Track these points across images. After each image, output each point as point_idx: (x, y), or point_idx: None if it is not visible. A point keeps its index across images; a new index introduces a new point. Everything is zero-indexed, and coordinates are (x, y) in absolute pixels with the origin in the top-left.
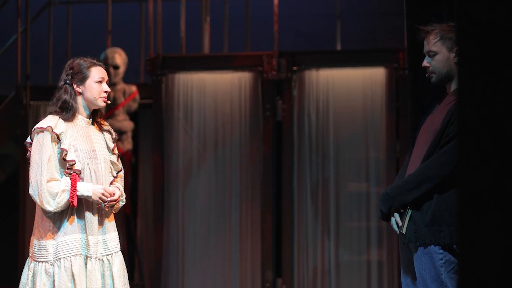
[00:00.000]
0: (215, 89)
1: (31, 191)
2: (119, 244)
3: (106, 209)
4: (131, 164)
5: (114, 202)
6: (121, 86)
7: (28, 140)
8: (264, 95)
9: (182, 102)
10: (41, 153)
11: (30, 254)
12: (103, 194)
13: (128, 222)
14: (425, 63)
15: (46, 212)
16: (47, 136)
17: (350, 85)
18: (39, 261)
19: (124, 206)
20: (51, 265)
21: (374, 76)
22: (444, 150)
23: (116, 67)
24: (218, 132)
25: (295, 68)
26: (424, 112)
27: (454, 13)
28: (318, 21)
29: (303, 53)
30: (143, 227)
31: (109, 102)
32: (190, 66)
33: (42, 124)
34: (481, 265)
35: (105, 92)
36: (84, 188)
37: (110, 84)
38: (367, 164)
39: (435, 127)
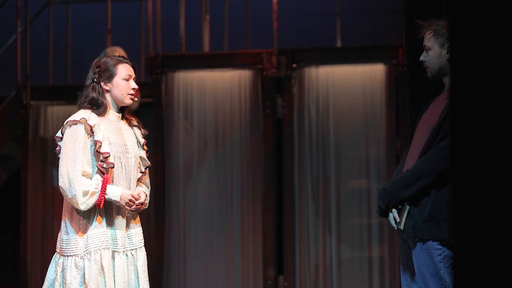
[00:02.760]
0: (215, 87)
1: (61, 184)
2: (143, 239)
3: (129, 213)
4: None
5: (140, 207)
6: None
7: (58, 134)
8: (264, 93)
9: (182, 101)
10: (75, 145)
11: (58, 250)
12: (130, 200)
13: None
14: (421, 57)
15: (75, 208)
16: (80, 128)
17: (349, 82)
18: (68, 255)
19: None
20: (81, 258)
21: (373, 72)
22: (441, 145)
23: None
24: (219, 130)
25: (294, 65)
26: (422, 108)
27: (446, 11)
28: (318, 18)
29: (302, 51)
30: (144, 226)
31: (136, 99)
32: (190, 65)
33: (75, 117)
34: (476, 260)
35: (133, 89)
36: (113, 193)
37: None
38: (367, 160)
39: (432, 122)
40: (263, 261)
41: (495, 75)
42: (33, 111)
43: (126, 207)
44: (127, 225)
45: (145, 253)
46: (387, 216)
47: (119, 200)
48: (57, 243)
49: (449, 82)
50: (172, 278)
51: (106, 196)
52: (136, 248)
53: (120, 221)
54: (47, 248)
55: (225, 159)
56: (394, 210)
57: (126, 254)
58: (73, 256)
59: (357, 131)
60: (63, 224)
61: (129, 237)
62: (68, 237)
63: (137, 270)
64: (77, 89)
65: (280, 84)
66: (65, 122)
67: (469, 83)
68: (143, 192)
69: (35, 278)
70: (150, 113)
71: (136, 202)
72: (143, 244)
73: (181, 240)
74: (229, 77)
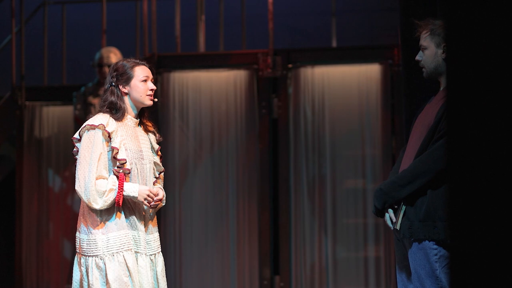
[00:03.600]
0: (210, 87)
1: (77, 188)
2: (160, 245)
3: (150, 210)
4: None
5: (158, 203)
6: None
7: (76, 136)
8: (259, 93)
9: (177, 101)
10: (92, 150)
11: (78, 250)
12: (148, 196)
13: None
14: (417, 57)
15: (93, 209)
16: (98, 133)
17: (345, 82)
18: (88, 256)
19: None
20: (100, 259)
21: (369, 72)
22: (437, 145)
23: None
24: (214, 130)
25: (290, 65)
26: (418, 108)
27: (442, 11)
28: (314, 18)
29: (298, 51)
30: None
31: (155, 100)
32: (185, 65)
33: (93, 121)
34: (472, 260)
35: (151, 90)
36: (131, 189)
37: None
38: (363, 160)
39: (428, 122)
40: (259, 261)
41: (491, 75)
42: (28, 111)
43: (145, 203)
44: (146, 228)
45: (163, 258)
46: (383, 216)
47: (137, 195)
48: (76, 243)
49: (445, 81)
50: (167, 278)
51: (124, 193)
52: (155, 253)
53: (139, 224)
54: (42, 249)
55: (221, 159)
56: (390, 210)
57: (147, 257)
58: (93, 257)
59: (352, 131)
60: (82, 225)
61: (148, 243)
62: (89, 237)
63: (156, 275)
64: (72, 89)
65: (275, 84)
66: (84, 125)
67: (465, 83)
68: (160, 189)
69: (30, 279)
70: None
71: (155, 198)
72: (160, 250)
73: (176, 240)
74: (224, 77)
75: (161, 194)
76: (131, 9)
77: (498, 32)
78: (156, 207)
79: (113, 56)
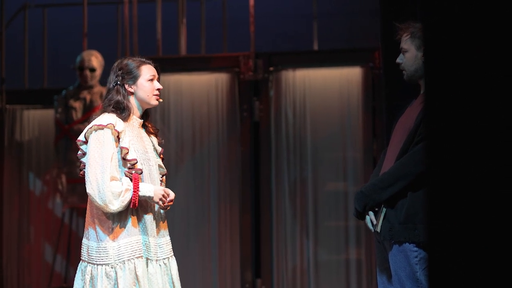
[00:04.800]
0: (192, 90)
1: (90, 191)
2: (172, 249)
3: (163, 210)
4: None
5: (171, 203)
6: (98, 88)
7: (81, 138)
8: (241, 96)
9: (159, 104)
10: (102, 151)
11: (85, 258)
12: (163, 196)
13: None
14: (398, 59)
15: (105, 213)
16: (107, 133)
17: (326, 85)
18: (97, 264)
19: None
20: (111, 267)
21: (350, 75)
22: (418, 148)
23: (92, 70)
24: (196, 133)
25: (271, 68)
26: (399, 111)
27: (420, 14)
28: (295, 21)
29: (279, 54)
30: None
31: (161, 100)
32: (167, 68)
33: (100, 121)
34: (450, 262)
35: (158, 89)
36: (146, 189)
37: (87, 87)
38: (344, 163)
39: (409, 125)
40: (240, 264)
41: (469, 78)
42: (8, 115)
43: (160, 203)
44: (158, 232)
45: (176, 261)
46: (364, 218)
47: (153, 195)
48: (83, 250)
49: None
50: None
51: (140, 193)
52: (168, 257)
53: (151, 227)
54: (23, 253)
55: (202, 162)
56: (371, 213)
57: (159, 264)
58: (103, 265)
59: (334, 134)
60: (91, 231)
61: (160, 246)
62: (99, 244)
63: (172, 279)
64: (53, 92)
65: (257, 87)
66: (90, 126)
67: (443, 86)
68: (170, 190)
69: (11, 283)
70: None
71: (168, 198)
72: (173, 253)
73: None
74: (206, 80)
75: (172, 194)
76: (112, 12)
77: (476, 35)
78: (168, 208)
79: (94, 59)
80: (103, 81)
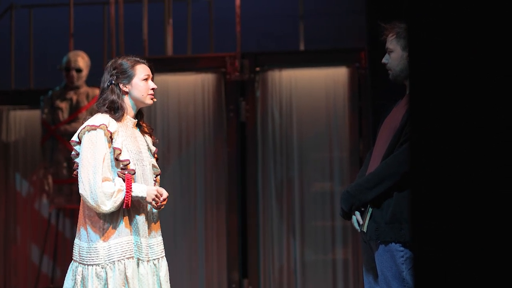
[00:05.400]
0: (178, 91)
1: (82, 191)
2: (164, 249)
3: (156, 210)
4: None
5: (164, 203)
6: (84, 89)
7: (75, 138)
8: (227, 96)
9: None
10: (95, 151)
11: (76, 258)
12: (156, 196)
13: None
14: (384, 60)
15: (97, 214)
16: (100, 134)
17: (313, 85)
18: (88, 264)
19: None
20: (102, 268)
21: (336, 76)
22: (403, 148)
23: (79, 70)
24: (182, 134)
25: (258, 69)
26: (385, 111)
27: (406, 14)
28: (281, 21)
29: (265, 54)
30: None
31: (155, 99)
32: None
33: (93, 122)
34: (435, 261)
35: (152, 89)
36: (139, 189)
37: (73, 87)
38: (331, 163)
39: (395, 125)
40: (227, 264)
41: (454, 78)
42: None
43: (153, 203)
44: (150, 233)
45: (167, 263)
46: (350, 218)
47: (145, 196)
48: (75, 250)
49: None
50: None
51: (133, 194)
52: (159, 258)
53: (143, 227)
54: (10, 254)
55: (189, 163)
56: (357, 213)
57: (150, 264)
58: (94, 266)
59: (320, 134)
60: (83, 231)
61: (151, 247)
62: (89, 245)
63: (159, 280)
64: (39, 93)
65: (243, 88)
66: (83, 127)
67: (428, 86)
68: (163, 189)
69: None
70: None
71: (161, 198)
72: (164, 254)
73: None
74: (192, 81)
75: (165, 193)
76: (98, 12)
77: (461, 36)
78: (161, 208)
79: (81, 60)
80: (89, 81)
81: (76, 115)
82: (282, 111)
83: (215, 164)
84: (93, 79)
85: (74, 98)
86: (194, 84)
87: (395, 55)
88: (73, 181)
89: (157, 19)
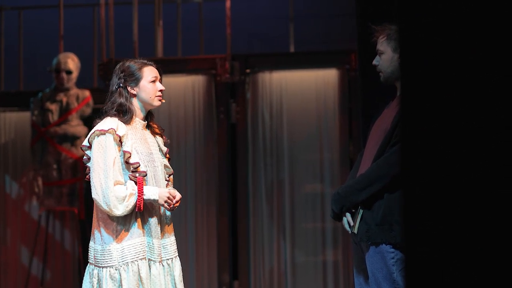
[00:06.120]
0: (168, 92)
1: (95, 196)
2: (177, 249)
3: (169, 211)
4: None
5: (177, 205)
6: (74, 91)
7: (85, 143)
8: (218, 98)
9: None
10: (105, 156)
11: (91, 261)
12: (168, 198)
13: (83, 228)
14: (374, 61)
15: (110, 217)
16: (109, 138)
17: (303, 87)
18: (102, 267)
19: (78, 211)
20: (115, 269)
21: (326, 77)
22: (394, 149)
23: (69, 72)
24: (172, 135)
25: (248, 70)
26: (375, 112)
27: (396, 16)
28: (271, 23)
29: (256, 56)
30: None
31: (164, 101)
32: None
33: (102, 126)
34: (426, 263)
35: (160, 90)
36: (151, 192)
37: (63, 89)
38: (321, 165)
39: (385, 127)
40: (217, 266)
41: (445, 80)
42: None
43: (165, 205)
44: (162, 234)
45: (180, 262)
46: (341, 220)
47: (158, 198)
48: (90, 253)
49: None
50: None
51: (145, 197)
52: (172, 258)
53: (155, 229)
54: (0, 256)
55: (179, 164)
56: (348, 214)
57: (162, 264)
58: (108, 268)
59: (310, 136)
60: (97, 234)
61: (164, 247)
62: (103, 247)
63: (174, 280)
64: (29, 95)
65: (233, 89)
66: (92, 131)
67: (419, 88)
68: (176, 190)
69: None
70: None
71: (174, 200)
72: (177, 254)
73: None
74: (182, 83)
75: (178, 195)
76: (88, 14)
77: (452, 38)
78: (174, 209)
79: (71, 61)
80: (79, 83)
81: (66, 117)
82: (273, 112)
83: (205, 165)
84: (83, 81)
85: (64, 100)
86: (185, 86)
87: (385, 57)
88: (63, 183)
89: (147, 21)
